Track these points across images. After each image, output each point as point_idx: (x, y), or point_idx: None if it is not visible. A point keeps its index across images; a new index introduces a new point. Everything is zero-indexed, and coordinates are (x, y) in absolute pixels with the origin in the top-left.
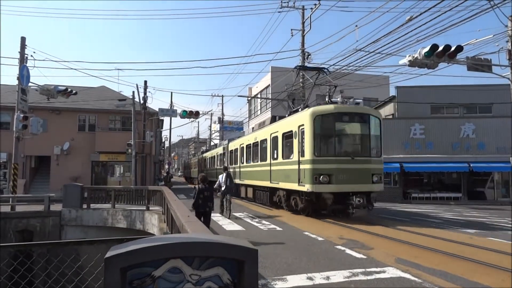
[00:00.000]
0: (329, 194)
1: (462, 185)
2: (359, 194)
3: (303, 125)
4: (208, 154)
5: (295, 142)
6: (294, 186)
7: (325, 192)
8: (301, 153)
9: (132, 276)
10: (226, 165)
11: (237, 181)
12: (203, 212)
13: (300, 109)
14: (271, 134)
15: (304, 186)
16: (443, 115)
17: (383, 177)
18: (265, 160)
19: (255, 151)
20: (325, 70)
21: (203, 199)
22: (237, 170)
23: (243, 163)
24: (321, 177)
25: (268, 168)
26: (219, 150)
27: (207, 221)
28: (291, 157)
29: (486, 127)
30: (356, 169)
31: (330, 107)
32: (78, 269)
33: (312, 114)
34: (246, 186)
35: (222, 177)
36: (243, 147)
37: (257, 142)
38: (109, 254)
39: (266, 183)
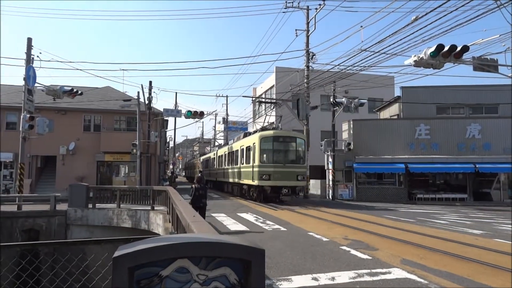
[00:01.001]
0: (268, 187)
1: (467, 186)
2: (287, 187)
3: (255, 143)
4: (204, 158)
5: (251, 153)
6: (250, 181)
7: (266, 186)
8: (254, 160)
9: (139, 276)
10: (201, 169)
11: (222, 179)
12: (198, 206)
13: (258, 131)
14: (240, 146)
15: (254, 181)
16: (449, 115)
17: (305, 176)
18: (237, 164)
19: (232, 157)
20: (279, 102)
21: (198, 196)
22: (223, 171)
23: (225, 166)
24: (264, 176)
25: (239, 170)
26: (211, 155)
27: (201, 214)
28: (249, 163)
29: (492, 127)
30: (286, 171)
31: (270, 132)
32: (86, 269)
33: (259, 136)
34: (227, 183)
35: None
36: (225, 154)
37: (233, 151)
38: (117, 253)
39: (237, 180)
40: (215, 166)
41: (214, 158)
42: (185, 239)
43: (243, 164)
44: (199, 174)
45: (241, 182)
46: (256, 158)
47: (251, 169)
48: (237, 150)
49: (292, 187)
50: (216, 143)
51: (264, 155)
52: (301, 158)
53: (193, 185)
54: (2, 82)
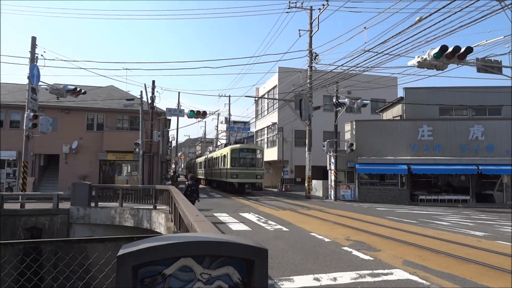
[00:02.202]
0: (236, 183)
1: (470, 187)
2: (249, 183)
3: (227, 152)
4: (199, 160)
5: (226, 159)
6: (225, 179)
7: (234, 182)
8: (228, 164)
9: (143, 274)
10: (191, 170)
11: (211, 178)
12: (190, 200)
13: (232, 143)
14: (220, 154)
15: (228, 179)
16: (452, 116)
17: (263, 176)
18: (219, 166)
19: (216, 161)
20: (249, 122)
21: (191, 191)
22: (211, 171)
23: (212, 167)
24: (233, 175)
25: (219, 171)
26: (204, 158)
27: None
28: (225, 166)
29: (495, 129)
30: (248, 172)
31: (238, 146)
32: (89, 267)
33: (230, 148)
34: (213, 180)
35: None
36: (212, 158)
37: (217, 156)
38: (121, 252)
39: (219, 178)
40: (207, 167)
41: (206, 161)
42: (188, 238)
43: (221, 167)
44: (191, 173)
45: (221, 180)
46: (228, 163)
47: (225, 171)
48: (218, 156)
49: (252, 183)
50: (219, 143)
51: (234, 161)
52: (259, 163)
53: (187, 182)
54: (7, 80)
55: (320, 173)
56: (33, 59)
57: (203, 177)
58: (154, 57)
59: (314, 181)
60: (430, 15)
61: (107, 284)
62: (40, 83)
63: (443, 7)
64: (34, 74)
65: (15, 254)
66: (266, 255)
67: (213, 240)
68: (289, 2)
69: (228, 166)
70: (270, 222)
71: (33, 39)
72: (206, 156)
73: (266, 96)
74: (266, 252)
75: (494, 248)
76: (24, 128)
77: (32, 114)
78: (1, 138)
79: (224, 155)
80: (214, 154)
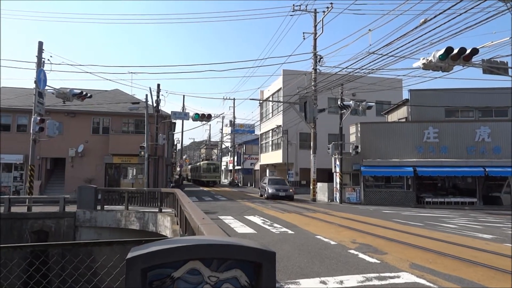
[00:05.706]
0: (206, 181)
1: (477, 190)
2: (211, 181)
3: (201, 164)
4: (191, 166)
5: (201, 168)
6: (201, 179)
7: (205, 180)
8: (202, 171)
9: (152, 277)
10: (181, 174)
11: (199, 179)
12: None
13: (205, 159)
14: (201, 164)
15: (202, 179)
16: (458, 118)
17: (220, 177)
18: (199, 172)
19: (199, 168)
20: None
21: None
22: (197, 174)
23: (200, 172)
24: (203, 177)
25: (200, 174)
26: (197, 165)
27: None
28: (201, 172)
29: (502, 130)
30: (211, 175)
31: (207, 161)
32: (97, 270)
33: (202, 163)
34: (200, 180)
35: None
36: (198, 166)
37: (198, 166)
38: (130, 255)
39: (201, 179)
40: (198, 172)
41: (197, 167)
42: (196, 241)
43: (201, 172)
44: (177, 176)
45: (200, 179)
46: (203, 170)
47: (201, 174)
48: (200, 165)
49: (213, 181)
50: (223, 146)
51: (204, 169)
52: (218, 170)
53: (173, 182)
54: (14, 85)
55: (325, 175)
56: (40, 63)
57: (196, 179)
58: (159, 61)
59: (319, 184)
60: (435, 16)
61: (115, 287)
62: (46, 87)
63: (448, 8)
64: (41, 79)
65: (24, 257)
66: (274, 258)
67: (221, 243)
68: (294, 5)
69: (202, 172)
70: (275, 225)
71: (40, 44)
72: (196, 164)
73: (270, 98)
74: (274, 255)
75: (502, 251)
76: (31, 132)
77: (39, 118)
78: (9, 142)
79: (201, 165)
80: (199, 164)
